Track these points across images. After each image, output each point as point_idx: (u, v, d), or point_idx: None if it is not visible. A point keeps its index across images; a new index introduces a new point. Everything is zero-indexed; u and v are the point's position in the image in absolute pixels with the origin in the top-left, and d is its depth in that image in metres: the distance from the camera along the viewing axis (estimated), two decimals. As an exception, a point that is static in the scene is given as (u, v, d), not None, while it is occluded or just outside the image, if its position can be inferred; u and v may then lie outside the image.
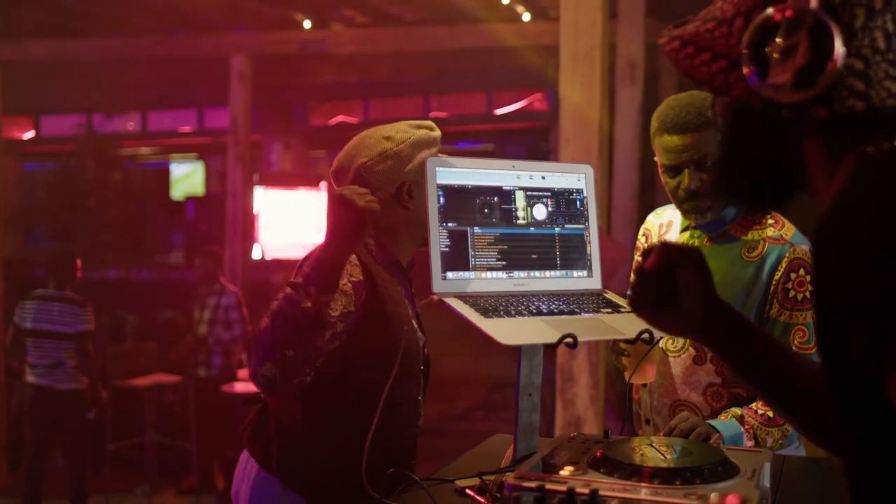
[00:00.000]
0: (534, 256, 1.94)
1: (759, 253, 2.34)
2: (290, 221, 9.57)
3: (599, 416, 4.08)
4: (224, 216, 9.38)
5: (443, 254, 1.83)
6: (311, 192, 9.75)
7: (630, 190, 6.95)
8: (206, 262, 7.48)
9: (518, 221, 1.94)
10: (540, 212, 1.96)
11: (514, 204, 1.93)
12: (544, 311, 1.79)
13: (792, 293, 2.28)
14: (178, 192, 14.59)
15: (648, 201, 7.28)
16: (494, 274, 1.89)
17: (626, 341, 1.88)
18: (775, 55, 1.12)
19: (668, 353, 2.40)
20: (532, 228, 1.95)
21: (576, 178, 2.02)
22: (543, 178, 1.98)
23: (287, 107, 11.04)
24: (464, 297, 1.80)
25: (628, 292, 1.48)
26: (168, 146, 13.65)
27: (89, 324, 6.20)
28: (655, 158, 2.45)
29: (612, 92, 6.95)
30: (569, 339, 1.64)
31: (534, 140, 11.75)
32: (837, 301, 0.99)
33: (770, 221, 2.40)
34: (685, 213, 2.42)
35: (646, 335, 1.72)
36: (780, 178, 1.24)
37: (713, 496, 1.35)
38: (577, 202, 2.01)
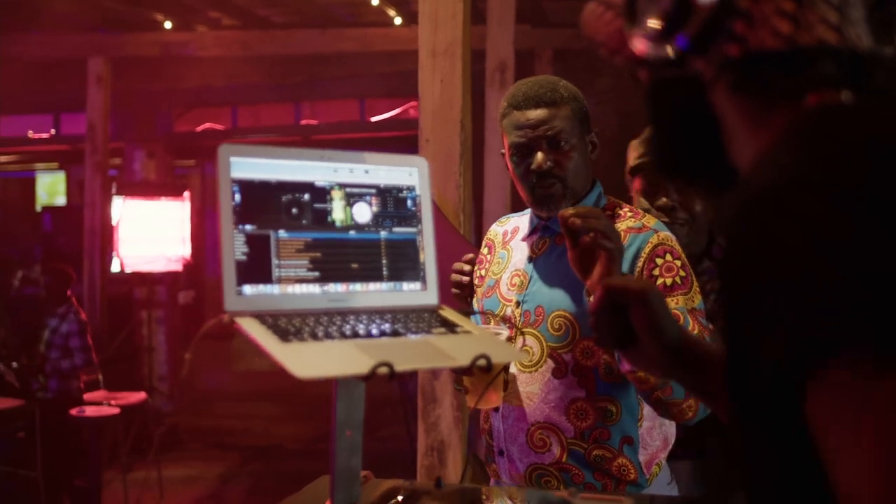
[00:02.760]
0: (354, 266, 1.61)
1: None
2: (152, 233, 9.05)
3: (464, 440, 3.78)
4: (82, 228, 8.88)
5: (238, 263, 1.49)
6: (174, 202, 9.23)
7: (502, 197, 6.72)
8: (53, 280, 6.91)
9: (335, 224, 1.60)
10: (362, 212, 1.64)
11: (331, 203, 1.60)
12: (361, 332, 1.46)
13: (660, 280, 2.04)
14: (41, 203, 13.85)
15: (521, 209, 7.04)
16: (305, 288, 1.55)
17: (459, 370, 1.55)
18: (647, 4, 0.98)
19: (522, 369, 2.11)
20: (352, 232, 1.62)
21: (406, 172, 1.70)
22: (367, 172, 1.65)
23: (150, 113, 10.48)
24: (263, 317, 1.46)
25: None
26: (24, 153, 12.87)
27: None
28: (502, 151, 2.19)
29: (482, 96, 6.72)
30: (383, 369, 1.31)
31: (410, 149, 11.45)
32: (749, 288, 0.77)
33: (629, 214, 2.17)
34: (537, 203, 2.17)
35: (482, 361, 1.41)
36: (707, 150, 1.02)
37: None
38: (409, 201, 1.69)
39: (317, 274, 1.56)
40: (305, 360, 1.32)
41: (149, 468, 7.63)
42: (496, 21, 6.93)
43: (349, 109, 10.53)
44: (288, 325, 1.44)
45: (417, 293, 1.68)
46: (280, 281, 1.52)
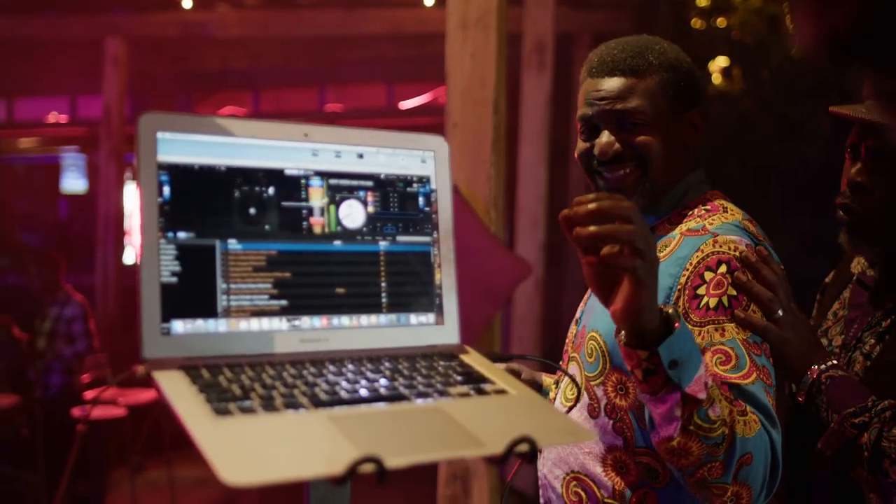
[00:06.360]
0: (339, 291, 1.12)
1: (671, 250, 1.59)
2: (168, 222, 8.65)
3: (493, 467, 3.30)
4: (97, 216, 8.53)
5: (166, 288, 1.01)
6: (192, 189, 8.84)
7: (537, 191, 6.19)
8: (44, 269, 6.57)
9: (313, 231, 1.12)
10: (353, 214, 1.15)
11: (307, 200, 1.12)
12: (344, 395, 0.97)
13: (704, 300, 1.50)
14: (65, 189, 13.55)
15: (558, 204, 6.54)
16: (265, 323, 1.06)
17: (489, 459, 1.02)
18: None
19: (565, 403, 1.68)
20: (338, 242, 1.13)
21: (418, 157, 1.20)
22: (361, 157, 1.16)
23: (169, 96, 10.08)
24: (197, 370, 0.98)
25: None
26: (44, 137, 12.53)
27: None
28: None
29: (517, 80, 6.23)
30: (368, 466, 0.83)
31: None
32: None
33: (701, 212, 1.65)
34: None
35: (523, 447, 0.92)
36: None
37: None
38: (420, 198, 1.19)
39: (284, 303, 1.08)
40: (246, 450, 0.84)
41: (161, 469, 7.30)
42: (535, 2, 6.44)
43: (376, 95, 10.05)
44: (232, 383, 0.95)
45: (431, 329, 1.18)
46: (228, 314, 1.04)
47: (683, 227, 1.63)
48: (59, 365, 6.50)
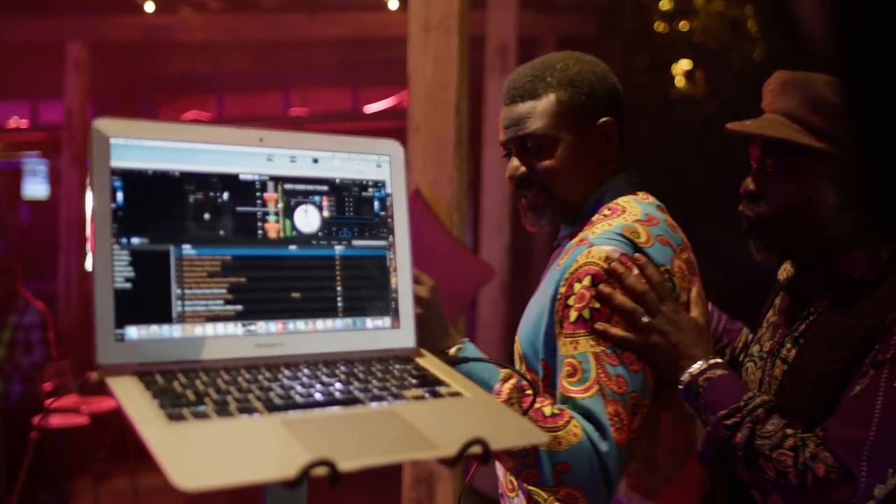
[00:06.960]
0: (295, 296, 1.12)
1: (561, 260, 1.66)
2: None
3: (457, 470, 3.31)
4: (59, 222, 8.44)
5: (119, 294, 1.01)
6: (155, 194, 8.77)
7: (501, 195, 6.21)
8: (0, 278, 6.49)
9: (268, 236, 1.12)
10: (308, 218, 1.15)
11: (261, 205, 1.12)
12: (299, 400, 0.98)
13: (570, 311, 1.55)
14: (27, 195, 13.38)
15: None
16: (220, 328, 1.07)
17: (443, 461, 1.03)
18: None
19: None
20: (293, 247, 1.14)
21: (373, 162, 1.21)
22: (316, 161, 1.16)
23: (132, 100, 9.98)
24: (151, 376, 0.98)
25: None
26: (1, 142, 12.38)
27: None
28: None
29: (480, 83, 6.25)
30: (320, 469, 0.83)
31: (406, 141, 10.98)
32: None
33: (604, 214, 1.69)
34: (521, 216, 1.78)
35: (476, 448, 0.93)
36: None
37: None
38: (376, 203, 1.20)
39: (239, 308, 1.08)
40: (198, 455, 0.84)
41: (125, 477, 7.23)
42: (498, 5, 6.45)
43: (341, 98, 10.03)
44: (186, 388, 0.96)
45: (386, 332, 1.18)
46: (183, 319, 1.04)
47: (575, 239, 1.68)
48: (18, 375, 6.43)
